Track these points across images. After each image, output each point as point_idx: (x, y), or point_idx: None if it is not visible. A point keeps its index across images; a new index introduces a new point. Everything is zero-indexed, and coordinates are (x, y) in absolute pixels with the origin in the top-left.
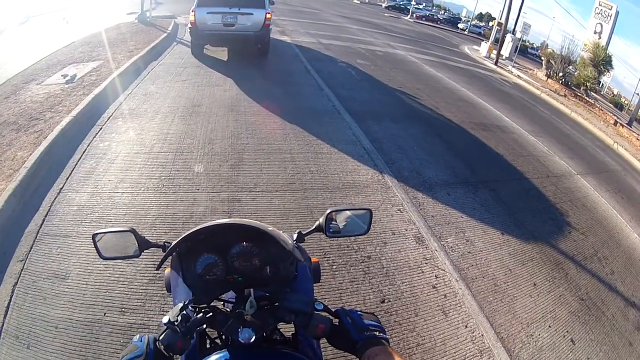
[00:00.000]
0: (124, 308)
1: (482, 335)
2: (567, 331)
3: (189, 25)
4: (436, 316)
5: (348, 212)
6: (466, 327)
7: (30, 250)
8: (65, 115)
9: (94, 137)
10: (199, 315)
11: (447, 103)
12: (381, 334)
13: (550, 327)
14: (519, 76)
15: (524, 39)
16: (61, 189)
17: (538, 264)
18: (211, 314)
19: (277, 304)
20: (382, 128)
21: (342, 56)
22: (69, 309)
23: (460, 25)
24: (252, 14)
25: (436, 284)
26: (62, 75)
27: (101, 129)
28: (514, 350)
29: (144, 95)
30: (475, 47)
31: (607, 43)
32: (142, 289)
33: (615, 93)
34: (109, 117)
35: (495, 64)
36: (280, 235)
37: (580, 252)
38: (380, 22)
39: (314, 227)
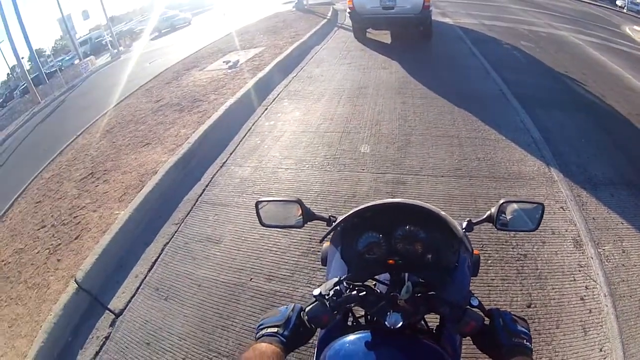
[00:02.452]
0: (272, 276)
1: None
2: None
3: (348, 10)
4: (576, 332)
5: (519, 205)
6: (601, 350)
7: (186, 216)
8: (230, 97)
9: (260, 116)
10: (351, 293)
11: (613, 92)
12: (528, 343)
13: None
14: None
15: None
16: (224, 162)
17: None
18: (364, 292)
19: (432, 292)
20: (550, 116)
21: (505, 37)
22: (215, 271)
23: (619, 2)
24: None
25: (585, 296)
26: (224, 62)
27: (266, 109)
28: None
29: (309, 78)
30: (636, 27)
31: None
32: (293, 260)
33: None
34: (274, 99)
35: None
36: (452, 222)
37: None
38: (540, 1)
39: (484, 216)
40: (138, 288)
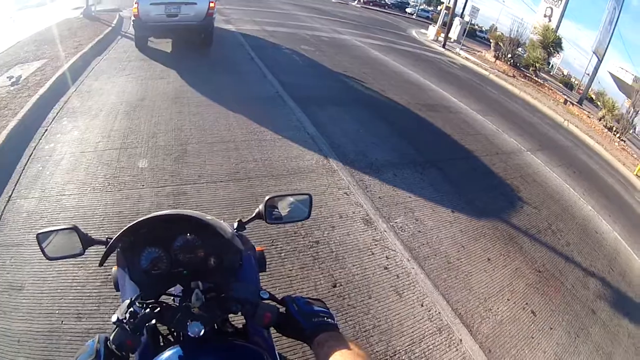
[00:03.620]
0: (80, 313)
1: (439, 312)
2: (527, 303)
3: (133, 18)
4: (390, 297)
5: (288, 199)
6: (422, 305)
7: None
8: (11, 118)
9: (40, 139)
10: (146, 311)
11: (393, 86)
12: (330, 320)
13: (508, 300)
14: (467, 58)
15: (473, 22)
16: (10, 196)
17: (491, 239)
18: (159, 308)
19: (223, 295)
20: (326, 113)
21: (286, 43)
22: (27, 321)
23: (409, 10)
24: (195, 3)
25: (387, 265)
26: (7, 77)
27: (46, 130)
28: (474, 325)
29: (87, 92)
30: (423, 30)
31: (557, 26)
32: (95, 293)
33: (565, 74)
34: (54, 118)
35: (443, 46)
36: (219, 224)
37: (533, 226)
38: (327, 9)
39: (254, 214)
40: None
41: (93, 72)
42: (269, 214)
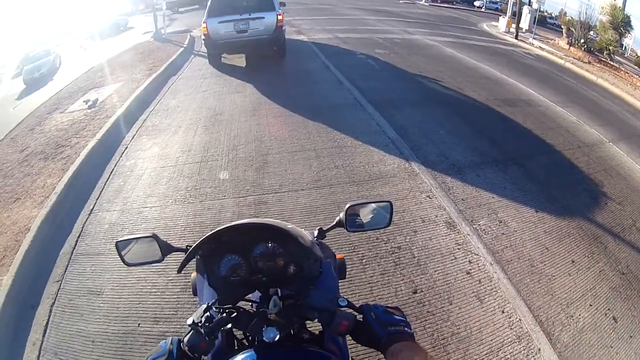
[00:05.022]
0: (157, 318)
1: (520, 320)
2: (609, 309)
3: (203, 37)
4: (471, 303)
5: (369, 206)
6: (503, 312)
7: (65, 271)
8: (91, 139)
9: (121, 156)
10: (222, 316)
11: (470, 83)
12: (406, 329)
13: (591, 305)
14: (540, 47)
15: (541, 9)
16: (92, 209)
17: (575, 239)
18: (235, 314)
19: (300, 302)
20: (405, 115)
21: (360, 48)
22: (104, 323)
23: (477, 3)
24: (263, 17)
25: (470, 269)
26: (84, 101)
27: (127, 147)
28: (554, 334)
29: (165, 110)
30: (493, 23)
31: (624, 3)
32: (174, 298)
33: (639, 54)
34: (134, 136)
35: (516, 37)
36: (299, 233)
37: (618, 224)
38: (395, 10)
39: (334, 222)
40: (38, 356)
41: (170, 91)
42: (350, 222)
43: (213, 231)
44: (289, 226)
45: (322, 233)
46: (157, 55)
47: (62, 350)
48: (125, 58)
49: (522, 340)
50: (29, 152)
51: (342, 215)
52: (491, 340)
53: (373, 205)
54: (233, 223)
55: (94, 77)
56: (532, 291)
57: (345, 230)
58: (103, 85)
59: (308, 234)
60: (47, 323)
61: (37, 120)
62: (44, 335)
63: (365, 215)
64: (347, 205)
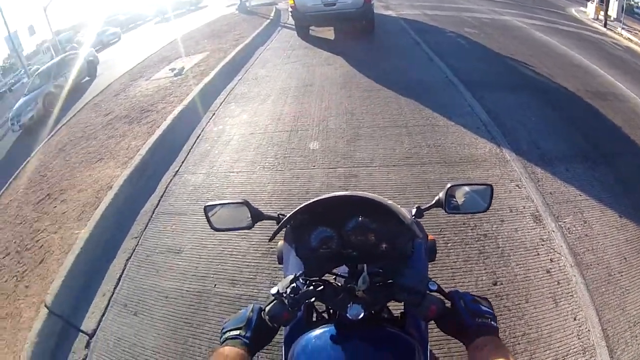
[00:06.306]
0: (235, 280)
1: (589, 330)
2: None
3: (290, 9)
4: (547, 304)
5: (467, 188)
6: (575, 319)
7: (145, 228)
8: (178, 104)
9: (208, 122)
10: (309, 288)
11: (560, 70)
12: (493, 322)
13: None
14: (629, 39)
15: None
16: (177, 171)
17: None
18: (322, 287)
19: (390, 281)
20: (497, 99)
21: (449, 26)
22: (180, 280)
23: None
24: None
25: (551, 268)
26: (170, 69)
27: (214, 114)
28: (616, 352)
29: (254, 79)
30: (581, 8)
31: None
32: (254, 263)
33: None
34: (222, 103)
35: (604, 26)
36: (399, 210)
37: None
38: None
39: (433, 202)
40: (107, 306)
41: (258, 61)
42: (448, 203)
43: (310, 201)
44: (388, 201)
45: (420, 212)
46: (243, 27)
47: (132, 303)
48: (210, 29)
49: (587, 353)
50: (113, 116)
51: (441, 195)
52: (558, 346)
53: (473, 187)
54: (329, 195)
55: (178, 48)
56: (606, 302)
57: (444, 212)
58: (189, 55)
59: (406, 211)
60: (121, 276)
61: (121, 87)
62: (115, 287)
63: (463, 197)
64: (448, 186)
